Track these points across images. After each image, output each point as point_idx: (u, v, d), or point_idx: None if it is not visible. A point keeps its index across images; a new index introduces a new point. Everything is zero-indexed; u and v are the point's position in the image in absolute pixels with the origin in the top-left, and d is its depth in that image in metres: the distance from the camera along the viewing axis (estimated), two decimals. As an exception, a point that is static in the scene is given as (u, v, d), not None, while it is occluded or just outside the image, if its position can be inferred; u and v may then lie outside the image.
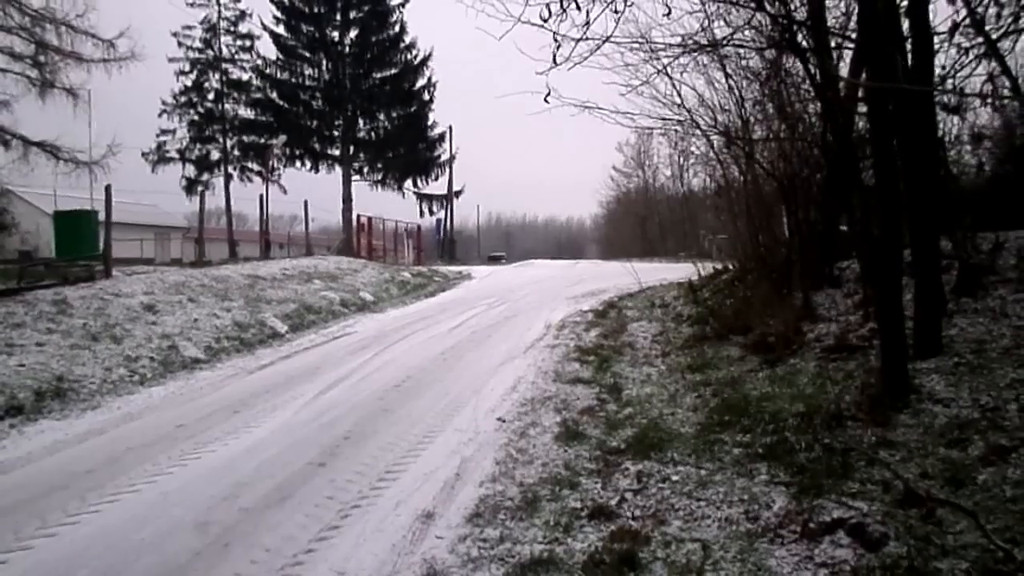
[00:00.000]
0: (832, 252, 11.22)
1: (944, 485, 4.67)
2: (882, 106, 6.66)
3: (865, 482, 4.87)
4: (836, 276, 10.99)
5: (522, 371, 9.49)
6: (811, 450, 5.52)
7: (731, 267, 15.19)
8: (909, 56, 7.01)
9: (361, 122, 35.19)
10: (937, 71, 7.67)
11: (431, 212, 37.03)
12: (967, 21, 7.34)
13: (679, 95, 12.10)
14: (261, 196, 26.56)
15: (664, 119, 12.59)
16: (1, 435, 7.05)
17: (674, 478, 5.37)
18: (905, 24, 7.02)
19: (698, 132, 13.71)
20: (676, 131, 14.45)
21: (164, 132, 35.48)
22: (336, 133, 34.90)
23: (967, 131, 10.11)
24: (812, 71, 9.11)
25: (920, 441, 5.41)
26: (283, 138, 34.38)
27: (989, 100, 8.52)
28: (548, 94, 6.05)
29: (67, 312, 10.99)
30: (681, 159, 33.31)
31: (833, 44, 9.05)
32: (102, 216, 15.78)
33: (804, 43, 8.77)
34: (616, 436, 6.49)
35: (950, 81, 7.81)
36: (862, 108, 9.04)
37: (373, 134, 35.33)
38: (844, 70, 9.75)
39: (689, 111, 12.50)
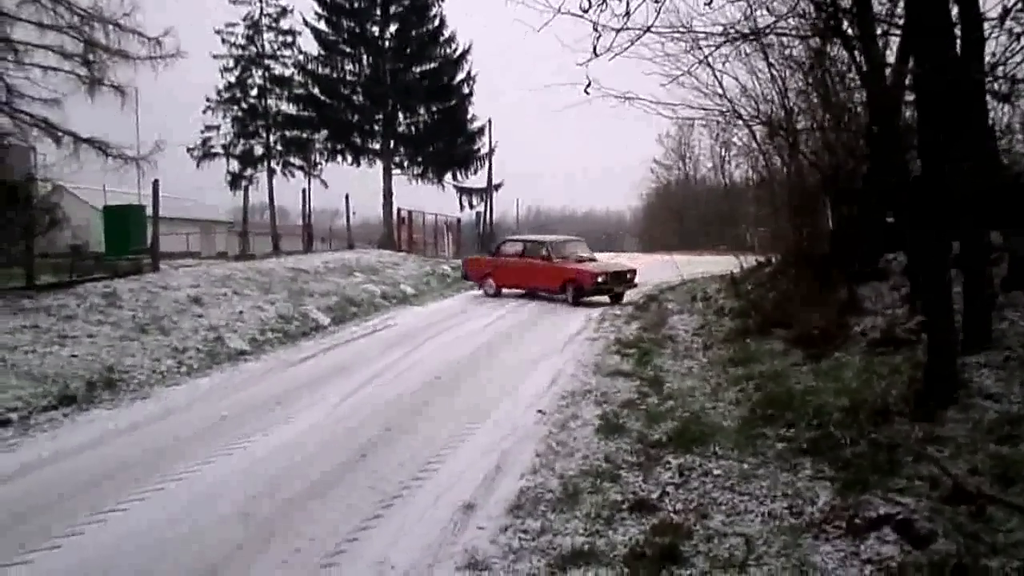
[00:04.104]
0: (878, 244, 11.01)
1: (994, 482, 4.57)
2: (929, 94, 6.50)
3: (912, 478, 4.77)
4: (882, 269, 10.78)
5: (561, 364, 9.49)
6: (856, 445, 5.44)
7: (773, 260, 15.00)
8: (958, 43, 6.83)
9: (401, 116, 35.27)
10: (987, 58, 7.46)
11: (471, 205, 37.04)
12: (1019, 6, 7.12)
13: (721, 85, 12.01)
14: (303, 190, 26.91)
15: (705, 109, 12.51)
16: (55, 424, 7.23)
17: (716, 472, 5.33)
18: (954, 10, 6.85)
19: (740, 123, 13.58)
20: (718, 122, 14.32)
21: (209, 128, 36.06)
22: (376, 128, 35.04)
23: (1019, 120, 9.82)
24: (857, 59, 8.95)
25: (969, 437, 5.30)
26: (324, 133, 34.73)
27: (1042, 87, 8.26)
28: (588, 85, 6.03)
29: (116, 304, 11.23)
30: (723, 151, 32.82)
31: (879, 31, 8.86)
32: (149, 211, 16.11)
33: (849, 30, 8.60)
34: (657, 429, 6.45)
35: (1001, 68, 7.59)
36: (909, 96, 8.84)
37: (413, 128, 35.40)
38: (891, 58, 9.55)
39: (731, 101, 12.41)
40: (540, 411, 7.26)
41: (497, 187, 37.56)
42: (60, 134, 17.99)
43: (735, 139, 17.34)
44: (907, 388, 6.31)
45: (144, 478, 5.59)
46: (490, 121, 36.31)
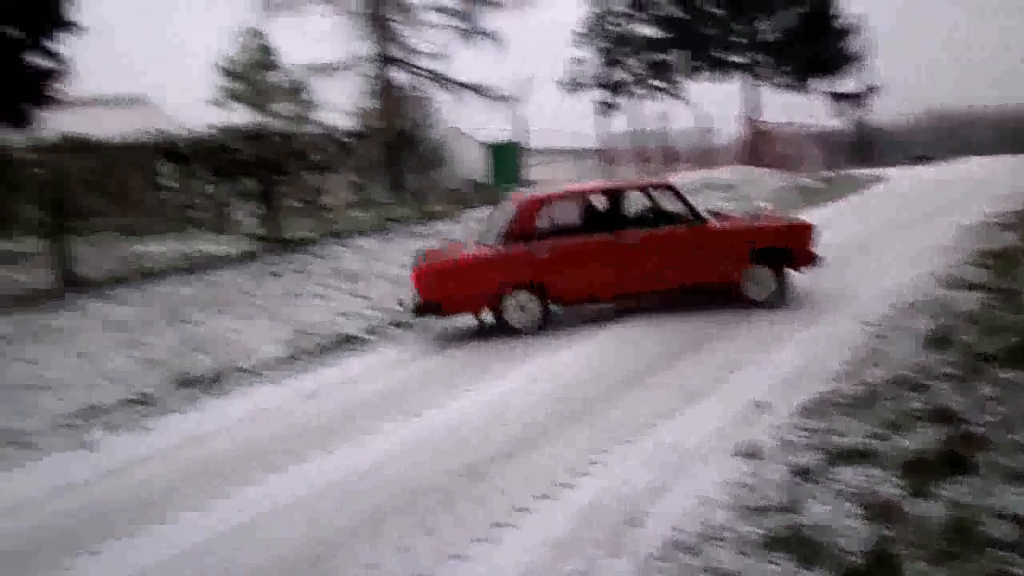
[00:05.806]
0: None
1: None
2: None
3: None
4: None
5: (904, 276, 8.95)
6: None
7: None
8: None
9: (760, 23, 33.76)
10: None
11: (842, 112, 34.52)
12: None
13: None
14: (664, 112, 27.42)
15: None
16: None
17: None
18: None
19: None
20: None
21: (576, 61, 38.09)
22: (734, 39, 34.04)
23: None
24: None
25: None
26: (684, 52, 34.69)
27: None
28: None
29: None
30: None
31: None
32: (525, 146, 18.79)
33: None
34: (992, 342, 5.98)
35: None
36: None
37: (773, 35, 33.69)
38: None
39: None
40: (864, 322, 7.10)
41: (873, 89, 34.47)
42: (446, 82, 21.64)
43: None
44: None
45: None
46: (862, 16, 33.21)
